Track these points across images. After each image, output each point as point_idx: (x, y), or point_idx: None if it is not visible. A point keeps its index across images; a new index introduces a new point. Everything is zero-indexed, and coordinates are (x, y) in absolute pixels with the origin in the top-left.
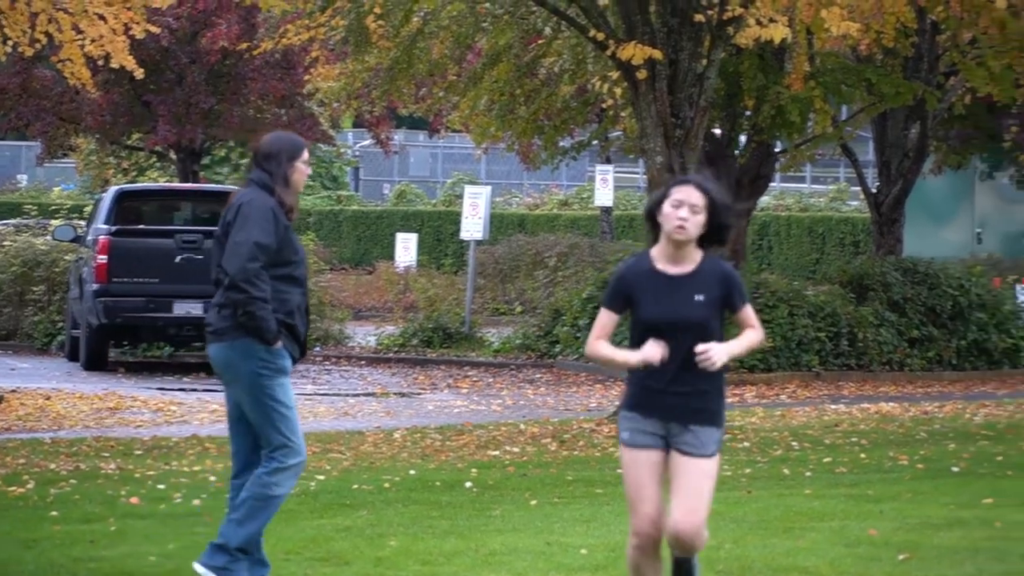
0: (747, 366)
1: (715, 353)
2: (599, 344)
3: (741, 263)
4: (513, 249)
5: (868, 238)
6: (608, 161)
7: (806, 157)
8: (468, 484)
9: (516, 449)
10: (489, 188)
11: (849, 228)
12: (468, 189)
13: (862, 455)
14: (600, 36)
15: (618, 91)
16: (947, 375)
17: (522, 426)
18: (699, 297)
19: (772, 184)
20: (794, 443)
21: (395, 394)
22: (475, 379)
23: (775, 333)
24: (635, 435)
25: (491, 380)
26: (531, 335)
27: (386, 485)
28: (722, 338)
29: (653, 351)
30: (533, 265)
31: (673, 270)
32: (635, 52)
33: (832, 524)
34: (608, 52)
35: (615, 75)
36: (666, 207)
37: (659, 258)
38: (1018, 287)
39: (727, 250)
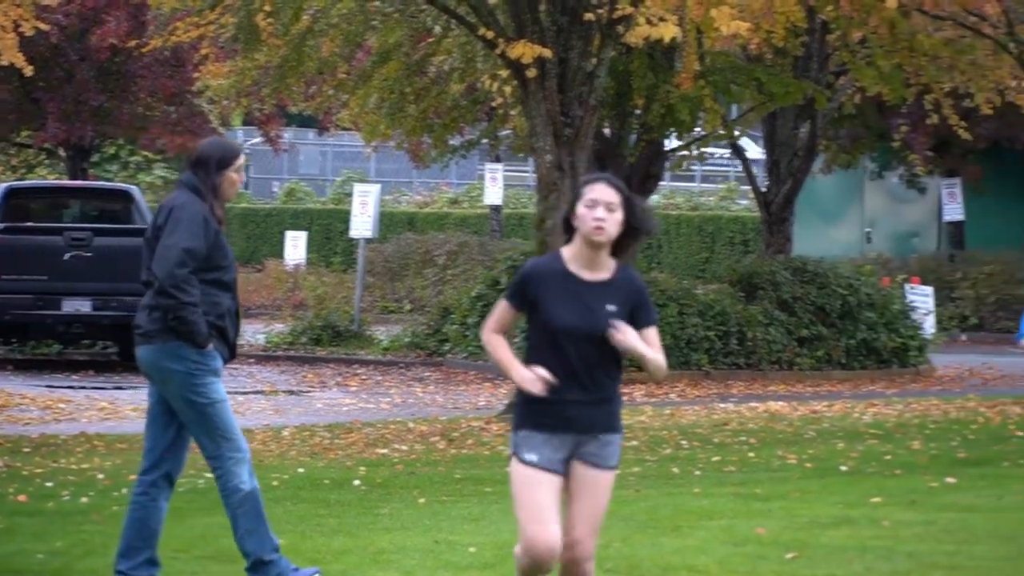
0: (635, 364)
1: (630, 334)
2: (495, 338)
3: (631, 262)
4: (402, 247)
5: (758, 237)
6: (498, 159)
7: (696, 156)
8: (357, 482)
9: (405, 447)
10: (379, 186)
11: (739, 227)
12: (357, 187)
13: (751, 454)
14: (490, 34)
15: (508, 89)
16: (836, 374)
17: (411, 424)
18: (611, 307)
19: (662, 183)
20: (683, 442)
21: (284, 392)
22: (364, 377)
23: (665, 332)
24: (543, 458)
25: (380, 378)
26: (420, 333)
27: (275, 483)
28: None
29: (536, 382)
30: (422, 263)
31: (588, 276)
32: (525, 51)
33: (721, 523)
34: (498, 51)
35: (505, 74)
36: (580, 208)
37: (572, 261)
38: (907, 286)
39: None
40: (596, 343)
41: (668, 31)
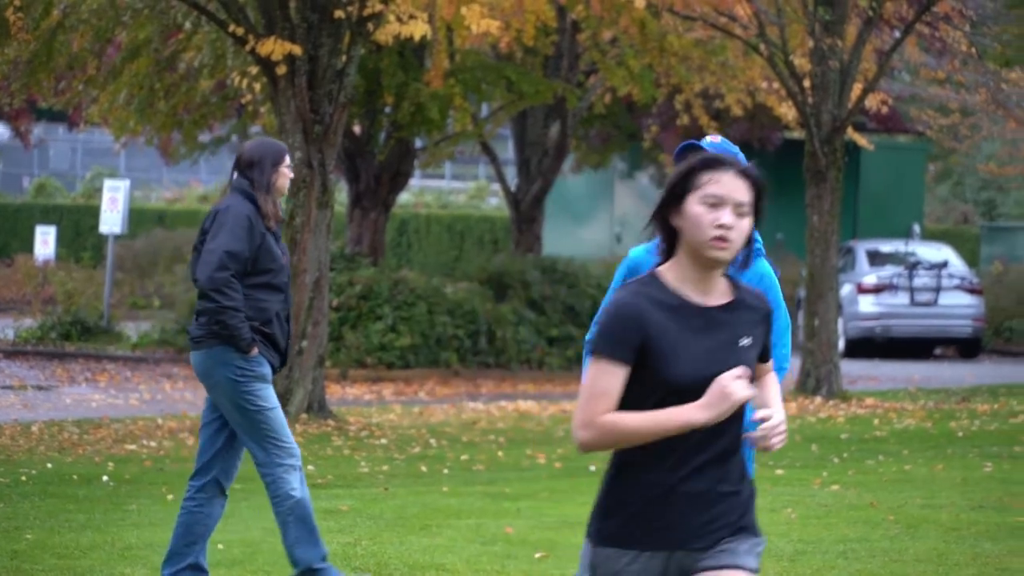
0: (385, 363)
1: (781, 424)
2: (614, 418)
3: (380, 260)
4: (152, 243)
5: (507, 236)
6: None
7: (446, 155)
8: (105, 478)
9: (154, 443)
10: (128, 182)
11: (488, 226)
12: (107, 183)
13: (500, 453)
14: (239, 31)
15: (257, 86)
16: None
17: (160, 421)
18: (745, 341)
19: (412, 181)
20: (432, 440)
21: (33, 387)
22: (113, 373)
23: (414, 330)
24: None
25: (129, 374)
26: (169, 330)
27: (23, 478)
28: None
29: (740, 384)
30: (172, 260)
31: (705, 301)
32: (274, 47)
33: (469, 522)
34: (247, 47)
35: (254, 70)
36: (694, 205)
37: (677, 283)
38: None
39: (366, 246)
40: None
41: (418, 29)
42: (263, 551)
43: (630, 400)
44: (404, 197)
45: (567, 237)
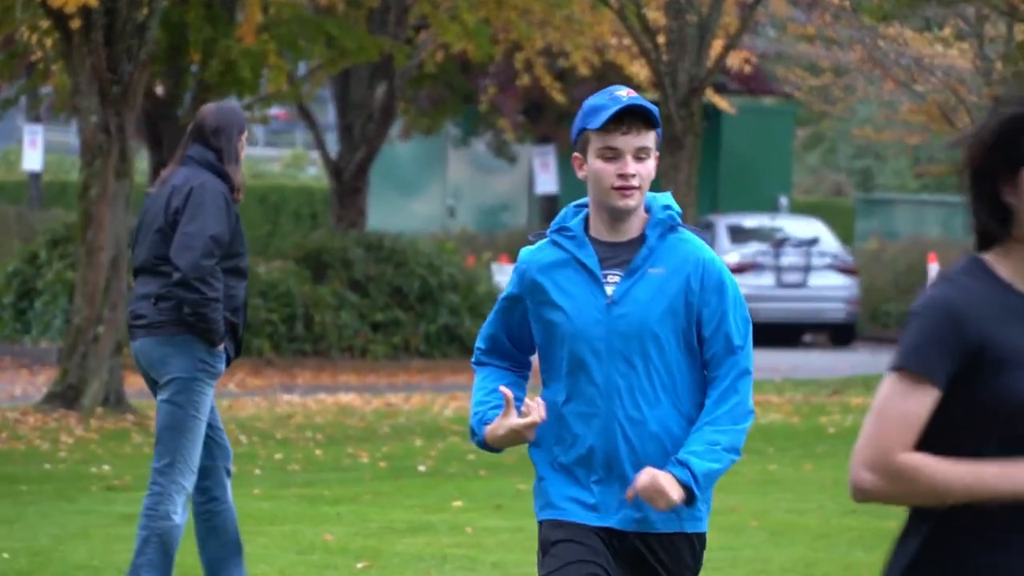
0: None
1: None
2: (918, 463)
3: None
4: None
5: (327, 209)
6: (38, 120)
7: (259, 119)
8: None
9: None
10: None
11: (306, 198)
12: None
13: (318, 451)
14: None
15: (49, 42)
16: (414, 363)
17: None
18: None
19: None
20: (242, 437)
21: None
22: None
23: None
24: None
25: None
26: None
27: None
28: None
29: None
30: None
31: None
32: None
33: (284, 528)
34: None
35: (46, 24)
36: None
37: (1016, 275)
38: (494, 266)
39: None
40: None
41: None
42: (53, 561)
43: (951, 435)
44: None
45: (395, 210)
